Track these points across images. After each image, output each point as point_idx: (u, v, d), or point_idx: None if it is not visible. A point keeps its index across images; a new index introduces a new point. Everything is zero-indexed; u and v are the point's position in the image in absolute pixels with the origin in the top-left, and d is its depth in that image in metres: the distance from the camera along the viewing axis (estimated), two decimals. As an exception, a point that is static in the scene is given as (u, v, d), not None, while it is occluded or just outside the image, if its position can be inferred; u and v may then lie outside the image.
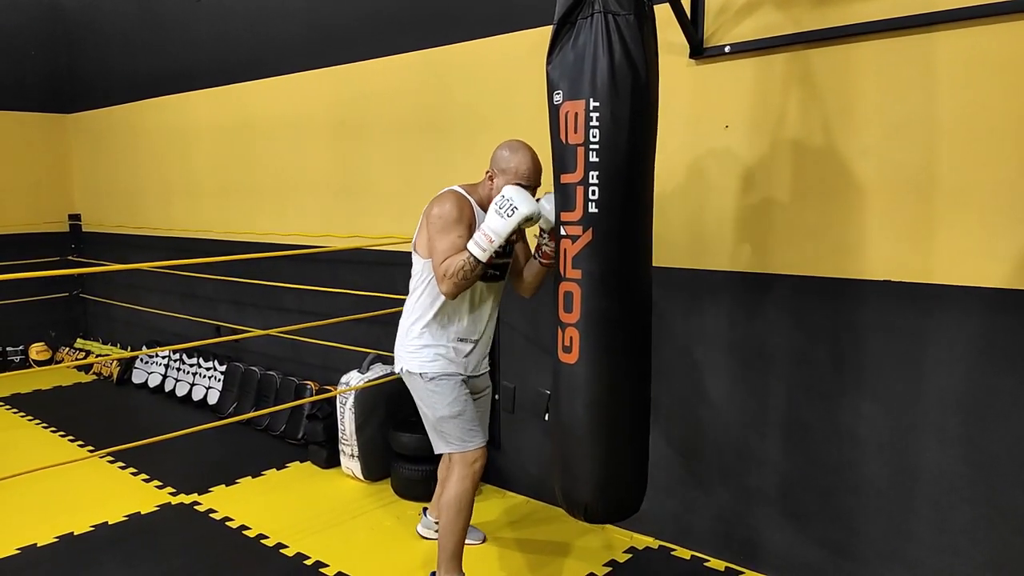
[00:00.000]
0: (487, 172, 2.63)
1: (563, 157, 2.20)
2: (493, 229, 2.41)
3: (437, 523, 3.08)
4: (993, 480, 2.40)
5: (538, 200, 2.43)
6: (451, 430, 2.67)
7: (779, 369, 2.81)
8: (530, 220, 2.41)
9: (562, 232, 2.23)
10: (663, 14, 2.74)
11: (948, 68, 2.35)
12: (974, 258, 2.36)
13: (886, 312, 2.55)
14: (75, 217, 6.79)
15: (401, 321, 2.78)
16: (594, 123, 2.12)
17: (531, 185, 2.55)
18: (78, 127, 6.66)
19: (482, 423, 2.79)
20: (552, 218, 2.35)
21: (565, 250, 2.22)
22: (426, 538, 3.23)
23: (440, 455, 2.86)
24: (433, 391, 2.66)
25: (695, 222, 2.96)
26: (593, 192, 2.15)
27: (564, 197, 2.22)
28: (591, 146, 2.13)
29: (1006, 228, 2.29)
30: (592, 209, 2.16)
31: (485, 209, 2.60)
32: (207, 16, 5.10)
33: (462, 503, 2.65)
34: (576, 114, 2.15)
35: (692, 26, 2.81)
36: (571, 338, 2.22)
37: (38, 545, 3.23)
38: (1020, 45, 2.22)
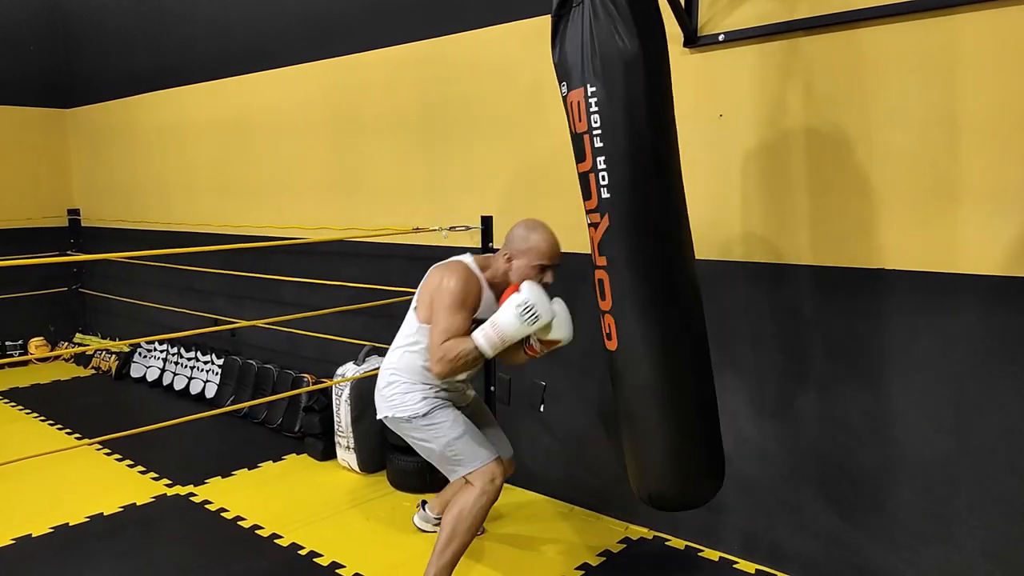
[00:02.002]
0: (504, 253, 2.58)
1: (576, 147, 2.20)
2: (506, 331, 2.37)
3: (438, 520, 3.06)
4: (989, 468, 2.39)
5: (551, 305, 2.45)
6: (462, 449, 2.59)
7: (774, 357, 2.80)
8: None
9: (588, 221, 2.22)
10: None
11: (944, 53, 2.34)
12: (971, 246, 2.34)
13: (881, 300, 2.54)
14: (74, 212, 6.79)
15: (381, 373, 2.72)
16: (593, 109, 2.11)
17: (553, 265, 2.54)
18: (77, 121, 6.66)
19: (490, 432, 2.81)
20: (563, 330, 2.49)
21: (591, 239, 2.22)
22: (423, 530, 3.19)
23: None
24: (430, 424, 2.60)
25: (690, 211, 2.94)
26: (603, 177, 2.13)
27: (583, 187, 2.21)
28: (594, 132, 2.12)
29: (1002, 215, 2.27)
30: (604, 195, 2.14)
31: (495, 288, 2.60)
32: (204, 9, 5.10)
33: (476, 520, 2.54)
34: (579, 103, 2.14)
35: (686, 15, 2.80)
36: (609, 325, 2.22)
37: (33, 536, 3.23)
38: (1015, 31, 2.21)
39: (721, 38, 2.77)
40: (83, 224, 6.78)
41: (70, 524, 3.34)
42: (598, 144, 2.13)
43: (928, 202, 2.40)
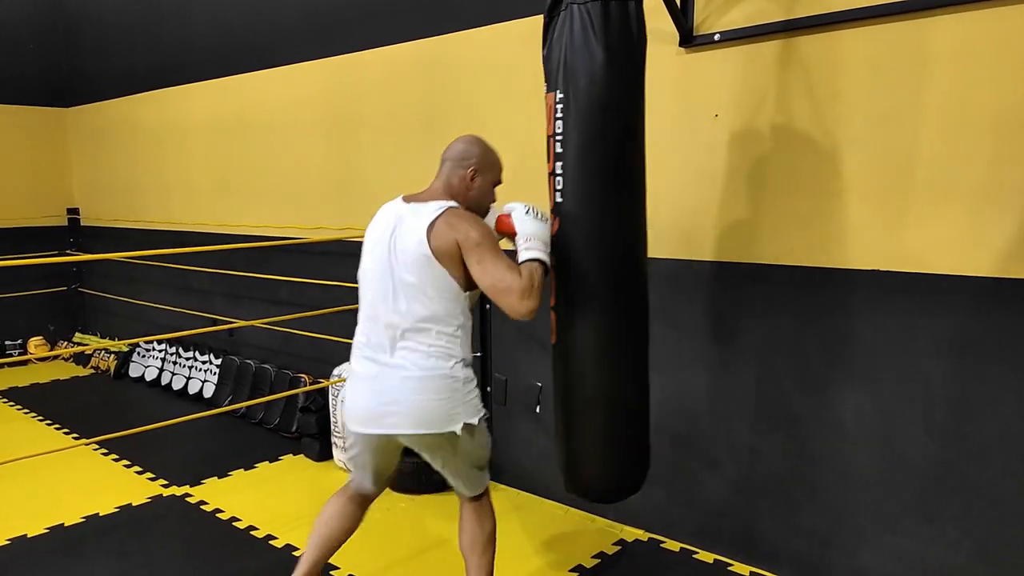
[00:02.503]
0: (470, 170, 2.26)
1: (547, 149, 2.25)
2: (540, 236, 2.16)
3: None
4: (982, 470, 2.38)
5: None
6: (487, 460, 2.39)
7: (768, 360, 2.79)
8: None
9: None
10: (652, 2, 2.73)
11: (938, 55, 2.32)
12: (962, 247, 2.33)
13: (874, 301, 2.53)
14: (74, 211, 6.79)
15: (419, 374, 2.14)
16: (559, 114, 2.17)
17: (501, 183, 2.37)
18: (77, 120, 6.66)
19: None
20: None
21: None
22: None
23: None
24: (485, 429, 2.30)
25: (685, 212, 2.93)
26: (559, 182, 2.21)
27: (549, 187, 2.27)
28: (557, 137, 2.19)
29: (994, 217, 2.27)
30: (558, 199, 2.22)
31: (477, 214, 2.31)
32: (203, 7, 5.09)
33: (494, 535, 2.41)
34: (550, 107, 2.21)
35: (682, 14, 2.79)
36: (552, 320, 2.29)
37: (28, 536, 3.23)
38: (1012, 32, 2.20)
39: (717, 38, 2.76)
40: (83, 223, 6.78)
41: (65, 524, 3.34)
42: (559, 149, 2.18)
43: (921, 203, 2.39)
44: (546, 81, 2.23)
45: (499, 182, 2.35)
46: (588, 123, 2.14)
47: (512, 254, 2.15)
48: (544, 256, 2.13)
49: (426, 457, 2.30)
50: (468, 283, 2.14)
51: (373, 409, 2.19)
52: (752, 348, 2.83)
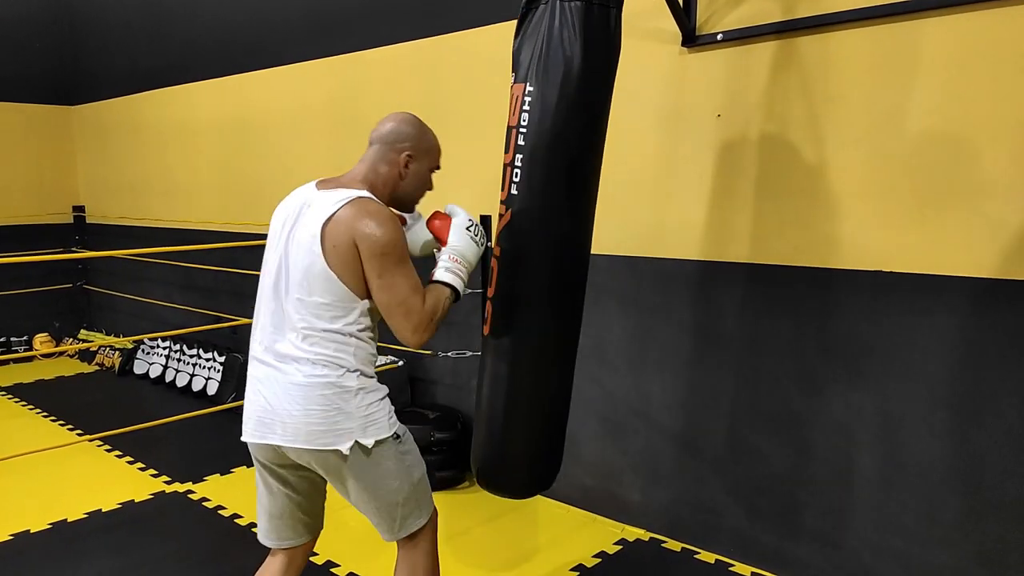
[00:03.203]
0: (404, 155, 1.98)
1: (506, 139, 2.22)
2: (468, 259, 1.97)
3: None
4: (983, 472, 2.37)
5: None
6: (424, 490, 2.01)
7: (770, 360, 2.79)
8: None
9: (499, 211, 2.23)
10: (655, 2, 2.73)
11: (940, 55, 2.32)
12: (965, 248, 2.32)
13: (875, 302, 2.52)
14: (79, 209, 6.82)
15: (303, 381, 1.83)
16: (526, 107, 2.14)
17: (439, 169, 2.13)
18: (82, 118, 6.69)
19: None
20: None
21: (496, 227, 2.25)
22: None
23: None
24: (406, 451, 1.96)
25: (688, 212, 2.93)
26: (516, 174, 2.16)
27: (502, 177, 2.21)
28: (521, 129, 2.15)
29: (996, 218, 2.26)
30: (513, 191, 2.17)
31: (401, 208, 2.04)
32: (208, 6, 5.11)
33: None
34: (517, 97, 2.17)
35: (684, 14, 2.78)
36: (488, 311, 2.24)
37: (31, 531, 3.25)
38: (1010, 32, 2.19)
39: (719, 37, 2.75)
40: (88, 221, 6.81)
41: (68, 520, 3.35)
42: (521, 142, 2.15)
43: (923, 204, 2.38)
44: (514, 71, 2.20)
45: (436, 167, 2.09)
46: (555, 119, 2.11)
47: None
48: (461, 286, 1.94)
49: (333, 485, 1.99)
50: (367, 290, 1.85)
51: (259, 418, 1.89)
52: (753, 348, 2.82)
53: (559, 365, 2.31)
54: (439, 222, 2.07)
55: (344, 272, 1.82)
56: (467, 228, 2.00)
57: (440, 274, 1.93)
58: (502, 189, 2.20)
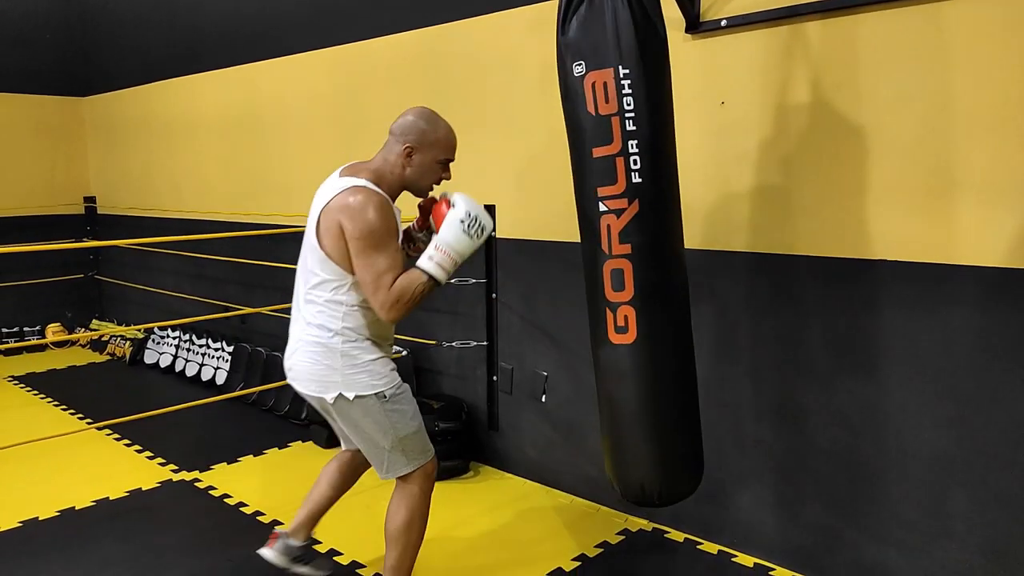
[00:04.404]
0: (404, 146, 2.19)
1: (595, 130, 2.12)
2: (458, 250, 2.09)
3: (302, 548, 2.62)
4: (989, 464, 2.34)
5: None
6: (415, 445, 2.31)
7: (773, 350, 2.76)
8: None
9: (603, 208, 2.14)
10: (657, -13, 2.70)
11: (954, 41, 2.27)
12: (972, 237, 2.29)
13: (882, 292, 2.49)
14: (90, 199, 6.86)
15: (312, 339, 2.22)
16: (627, 91, 2.08)
17: (452, 160, 2.28)
18: (93, 109, 6.72)
19: None
20: (490, 224, 2.20)
21: (608, 226, 2.14)
22: (275, 563, 2.60)
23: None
24: (393, 410, 2.25)
25: (692, 201, 2.90)
26: (635, 162, 2.09)
27: (602, 172, 2.13)
28: (627, 115, 2.08)
29: (1004, 206, 2.22)
30: (636, 179, 2.10)
31: (416, 195, 2.28)
32: (214, -3, 5.11)
33: (424, 520, 2.36)
34: (605, 83, 2.09)
35: (688, 0, 2.75)
36: (625, 317, 2.15)
37: (39, 519, 3.28)
38: (1020, 18, 2.14)
39: (724, 23, 2.71)
40: (99, 212, 6.85)
41: (76, 508, 3.38)
42: (631, 127, 2.08)
43: (930, 192, 2.35)
44: (580, 59, 2.11)
45: (449, 159, 2.25)
46: (664, 101, 2.13)
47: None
48: (440, 273, 2.09)
49: None
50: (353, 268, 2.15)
51: (287, 366, 2.34)
52: (758, 339, 2.80)
53: (691, 357, 2.32)
54: (438, 210, 2.16)
55: (334, 252, 2.14)
56: (462, 221, 2.10)
57: (421, 260, 2.12)
58: (610, 183, 2.11)
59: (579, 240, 2.31)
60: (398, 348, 4.13)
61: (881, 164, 2.44)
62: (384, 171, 2.21)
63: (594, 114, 2.11)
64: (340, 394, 2.21)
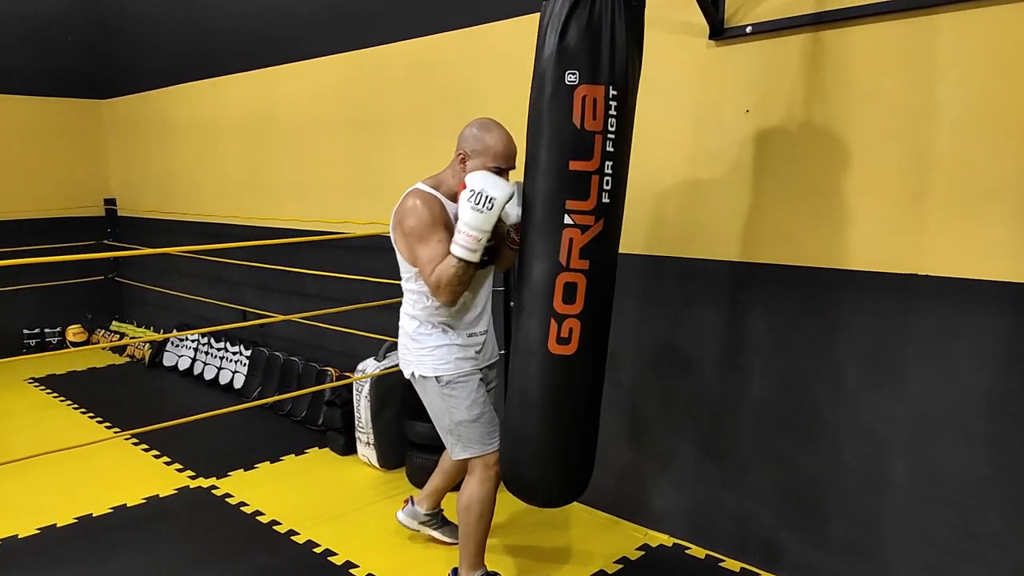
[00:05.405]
0: (458, 155, 2.41)
1: (577, 143, 2.10)
2: (474, 226, 2.19)
3: (427, 516, 3.07)
4: (1023, 485, 2.26)
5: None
6: (470, 433, 2.52)
7: (799, 365, 2.70)
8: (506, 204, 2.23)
9: (568, 221, 2.12)
10: (681, -7, 2.65)
11: (981, 49, 2.20)
12: (1005, 252, 2.21)
13: (910, 306, 2.42)
14: (111, 202, 6.90)
15: (402, 323, 2.61)
16: (612, 112, 2.08)
17: (507, 168, 2.39)
18: (113, 112, 6.75)
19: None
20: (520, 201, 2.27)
21: (571, 239, 2.13)
22: (408, 527, 3.11)
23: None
24: (449, 395, 2.50)
25: (714, 211, 2.85)
26: (607, 182, 2.12)
27: (575, 185, 2.12)
28: (609, 135, 2.09)
29: (1042, 219, 2.14)
30: (605, 200, 2.13)
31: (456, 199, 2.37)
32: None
33: (485, 506, 2.55)
34: (595, 100, 2.07)
35: (712, 6, 2.69)
36: (570, 329, 2.18)
37: (57, 525, 3.29)
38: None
39: (748, 30, 2.65)
40: (119, 214, 6.88)
41: (93, 515, 3.39)
42: (610, 148, 2.09)
43: (962, 204, 2.27)
44: (574, 70, 2.06)
45: (500, 168, 2.36)
46: (631, 123, 2.17)
47: None
48: (465, 253, 2.22)
49: None
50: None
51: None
52: (782, 353, 2.74)
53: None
54: (460, 191, 2.28)
55: (401, 247, 2.46)
56: (468, 199, 2.19)
57: (452, 246, 2.28)
58: (583, 198, 2.11)
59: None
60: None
61: (910, 175, 2.36)
62: (445, 176, 2.47)
63: (579, 127, 2.08)
64: (412, 372, 2.56)
